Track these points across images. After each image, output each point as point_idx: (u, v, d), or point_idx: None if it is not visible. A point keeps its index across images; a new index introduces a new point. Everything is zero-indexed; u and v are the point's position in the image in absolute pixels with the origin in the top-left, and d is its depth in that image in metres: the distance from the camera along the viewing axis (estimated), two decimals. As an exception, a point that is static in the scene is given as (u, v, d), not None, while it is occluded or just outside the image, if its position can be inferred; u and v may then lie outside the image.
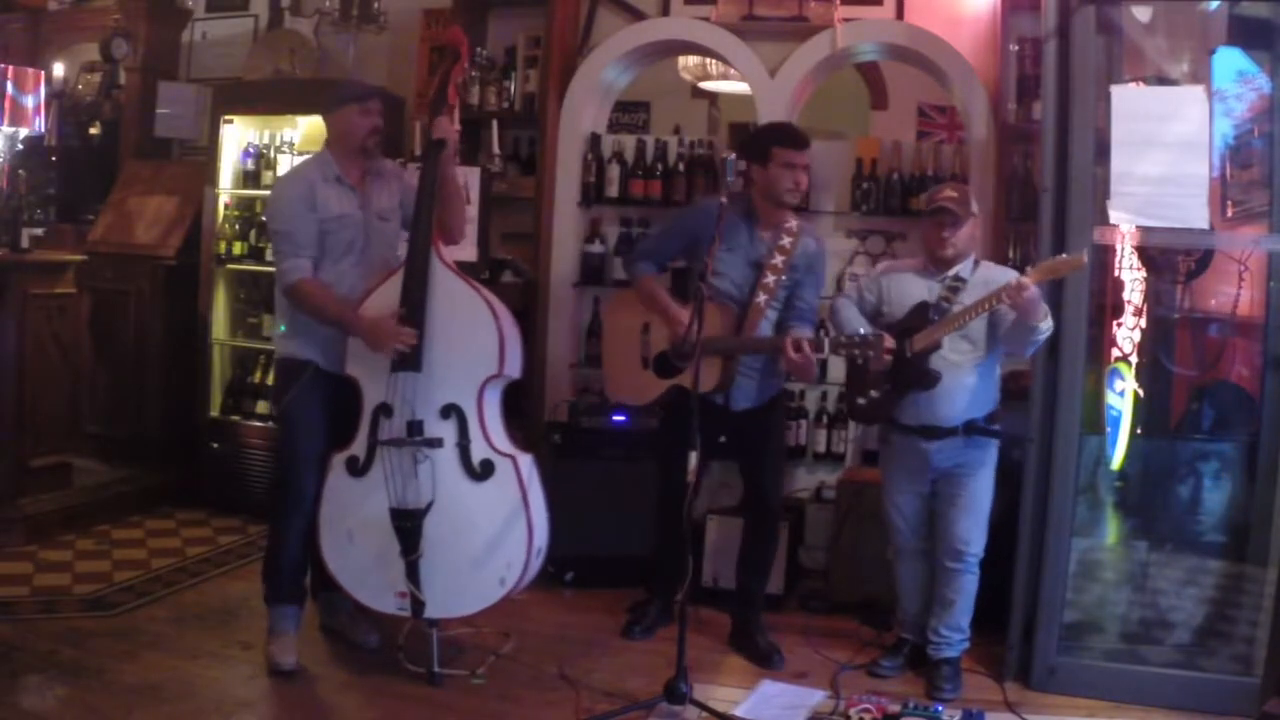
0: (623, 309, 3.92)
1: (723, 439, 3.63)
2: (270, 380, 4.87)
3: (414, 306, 3.32)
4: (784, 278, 3.61)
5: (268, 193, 4.08)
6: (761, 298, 3.59)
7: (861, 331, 3.33)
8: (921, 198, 3.74)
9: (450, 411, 3.34)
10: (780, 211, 3.64)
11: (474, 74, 4.93)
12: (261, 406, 5.14)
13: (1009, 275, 3.32)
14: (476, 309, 3.36)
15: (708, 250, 3.37)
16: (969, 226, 3.43)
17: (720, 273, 3.59)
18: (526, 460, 3.39)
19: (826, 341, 3.39)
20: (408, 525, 3.31)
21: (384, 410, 3.36)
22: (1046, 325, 3.26)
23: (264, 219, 4.53)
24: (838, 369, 4.62)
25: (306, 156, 4.04)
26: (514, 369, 3.40)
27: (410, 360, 3.31)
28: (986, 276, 3.41)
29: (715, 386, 3.56)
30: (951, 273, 3.44)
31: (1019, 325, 3.28)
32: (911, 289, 3.48)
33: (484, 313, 3.36)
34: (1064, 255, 3.19)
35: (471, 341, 3.35)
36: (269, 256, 4.49)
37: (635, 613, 3.91)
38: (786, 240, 3.61)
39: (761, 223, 3.66)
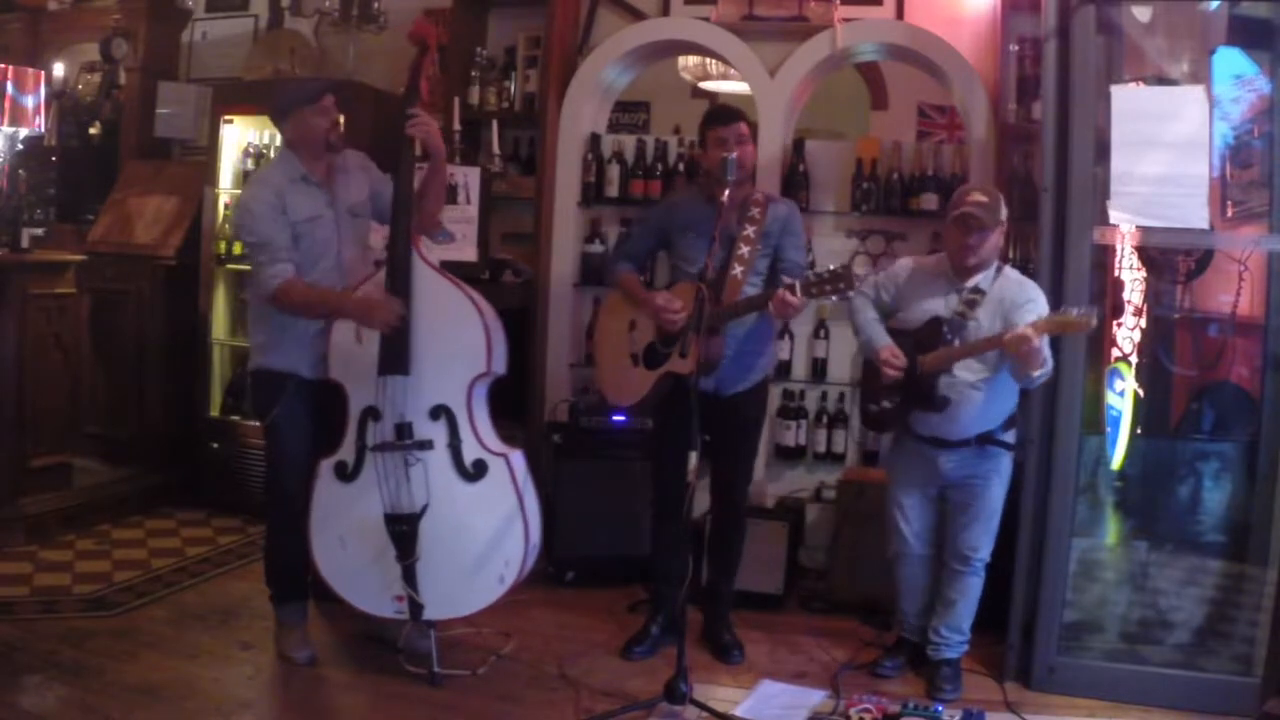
0: (609, 312, 3.89)
1: (707, 438, 3.52)
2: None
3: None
4: (759, 247, 3.53)
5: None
6: (737, 269, 3.50)
7: (831, 268, 3.26)
8: (952, 196, 3.53)
9: (440, 412, 3.32)
10: (738, 187, 3.50)
11: (474, 74, 4.94)
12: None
13: (1026, 293, 3.27)
14: (461, 307, 3.33)
15: (680, 239, 3.39)
16: (996, 235, 3.32)
17: (690, 257, 3.56)
18: (518, 457, 3.39)
19: (797, 284, 3.30)
20: (403, 529, 3.29)
21: (371, 414, 3.33)
22: (1042, 373, 3.18)
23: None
24: (839, 368, 4.64)
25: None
26: (500, 366, 3.38)
27: (398, 363, 3.28)
28: (1004, 293, 3.31)
29: (701, 366, 3.37)
30: (971, 283, 3.34)
31: (1014, 368, 3.22)
32: (928, 295, 3.40)
33: (469, 311, 3.33)
34: (1076, 312, 3.05)
35: (458, 341, 3.32)
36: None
37: (635, 637, 3.74)
38: (755, 211, 3.55)
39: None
